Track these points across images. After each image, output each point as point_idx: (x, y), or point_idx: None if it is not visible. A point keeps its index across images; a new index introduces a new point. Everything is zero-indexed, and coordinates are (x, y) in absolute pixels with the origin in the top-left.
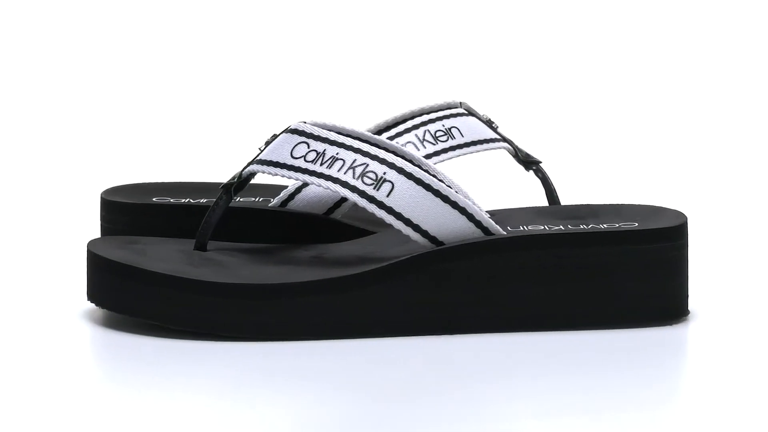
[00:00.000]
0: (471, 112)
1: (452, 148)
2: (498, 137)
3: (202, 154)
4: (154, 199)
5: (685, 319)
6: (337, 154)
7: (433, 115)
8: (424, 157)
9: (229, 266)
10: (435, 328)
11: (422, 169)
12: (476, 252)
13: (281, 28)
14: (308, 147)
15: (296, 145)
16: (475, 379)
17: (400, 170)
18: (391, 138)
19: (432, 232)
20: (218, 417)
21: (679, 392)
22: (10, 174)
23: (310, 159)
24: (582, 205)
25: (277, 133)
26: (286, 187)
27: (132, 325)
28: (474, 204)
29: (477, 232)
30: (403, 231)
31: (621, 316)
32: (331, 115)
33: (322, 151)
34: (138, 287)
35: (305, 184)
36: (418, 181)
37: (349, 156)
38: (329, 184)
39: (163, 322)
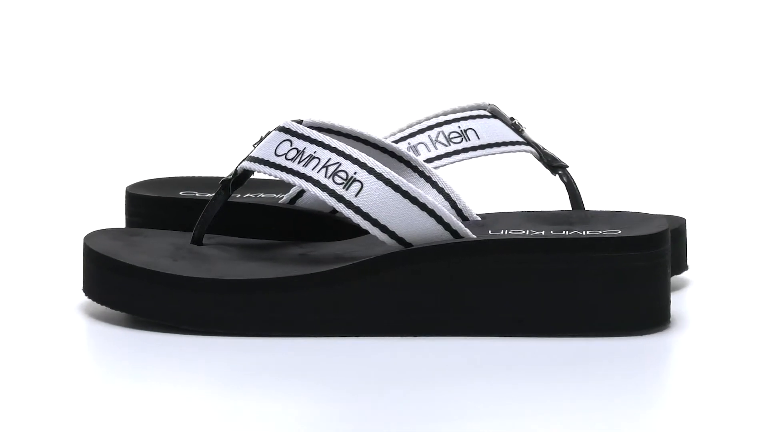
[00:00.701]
0: (495, 115)
1: (465, 150)
2: (521, 141)
3: (229, 149)
4: (180, 193)
5: (663, 329)
6: (314, 152)
7: (450, 117)
8: (433, 158)
9: (210, 261)
10: (401, 330)
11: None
12: (442, 254)
13: (313, 27)
14: (291, 145)
15: (281, 143)
16: (429, 383)
17: (371, 170)
18: (404, 138)
19: (399, 233)
20: (208, 409)
21: (640, 404)
22: (41, 169)
23: (291, 157)
24: (577, 211)
25: (271, 131)
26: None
27: (129, 318)
28: (445, 207)
29: (445, 235)
30: (370, 231)
31: (587, 324)
32: (359, 117)
33: (302, 149)
34: (113, 278)
35: None
36: (388, 182)
37: (324, 155)
38: (302, 182)
39: (135, 313)
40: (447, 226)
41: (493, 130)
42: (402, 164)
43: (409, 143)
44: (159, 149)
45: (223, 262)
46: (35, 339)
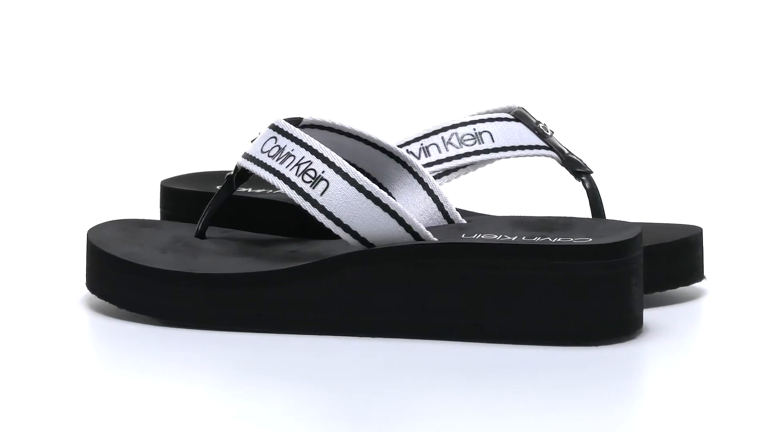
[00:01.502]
0: (519, 118)
1: (476, 153)
2: (542, 145)
3: None
4: (217, 187)
5: (629, 339)
6: (291, 150)
7: (468, 119)
8: (443, 159)
9: (199, 255)
10: (360, 330)
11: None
12: (400, 256)
13: (348, 29)
14: (275, 142)
15: (267, 140)
16: (373, 385)
17: (338, 170)
18: (418, 139)
19: (361, 233)
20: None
21: (594, 414)
22: (79, 163)
23: (272, 154)
24: (561, 217)
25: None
26: None
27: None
28: (405, 208)
29: (407, 237)
30: (333, 230)
31: (544, 331)
32: (390, 120)
33: (283, 147)
34: (100, 268)
35: None
36: (353, 182)
37: (299, 153)
38: (275, 179)
39: (117, 304)
40: (408, 228)
41: (510, 133)
42: (399, 164)
43: (422, 144)
44: (196, 144)
45: (211, 256)
46: (40, 329)
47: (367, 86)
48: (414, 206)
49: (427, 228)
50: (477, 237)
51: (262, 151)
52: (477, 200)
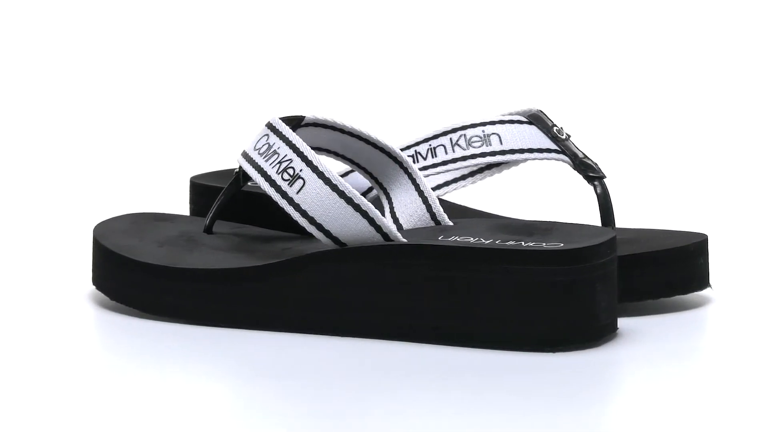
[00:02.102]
0: (533, 121)
1: (482, 155)
2: (553, 149)
3: None
4: (249, 183)
5: (591, 346)
6: (278, 148)
7: (478, 120)
8: (448, 160)
9: (195, 250)
10: (327, 329)
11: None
12: (367, 256)
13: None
14: (266, 140)
15: (261, 137)
16: (324, 383)
17: (315, 168)
18: (427, 140)
19: (334, 232)
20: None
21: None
22: (114, 160)
23: (262, 152)
24: (545, 222)
25: None
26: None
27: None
28: (375, 209)
29: (377, 237)
30: (307, 229)
31: (503, 336)
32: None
33: (271, 144)
34: (96, 260)
35: (345, 174)
36: (327, 181)
37: (283, 151)
38: (257, 175)
39: (110, 296)
40: (378, 228)
41: (520, 136)
42: (397, 165)
43: (430, 145)
44: (227, 140)
45: (206, 252)
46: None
47: (392, 88)
48: (405, 206)
49: (414, 229)
50: (452, 239)
51: (255, 149)
52: (494, 202)
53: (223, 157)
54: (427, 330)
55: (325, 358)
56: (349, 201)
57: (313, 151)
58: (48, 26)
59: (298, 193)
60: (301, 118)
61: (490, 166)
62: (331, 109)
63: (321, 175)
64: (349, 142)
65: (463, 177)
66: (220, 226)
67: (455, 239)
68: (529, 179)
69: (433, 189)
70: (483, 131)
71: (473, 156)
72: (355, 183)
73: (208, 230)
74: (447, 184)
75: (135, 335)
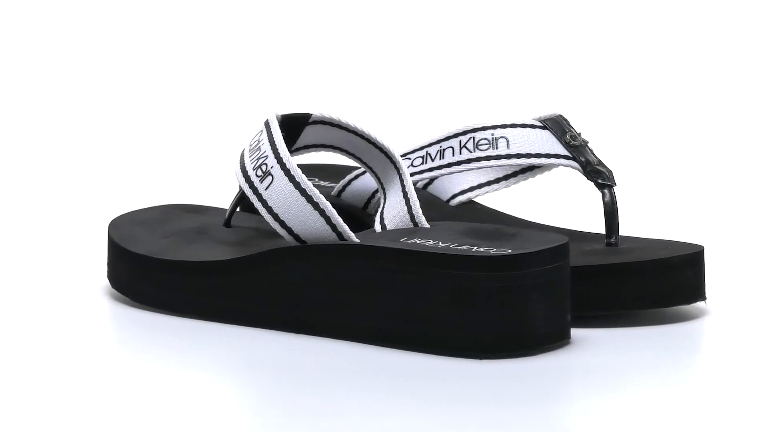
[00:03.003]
0: (547, 126)
1: (487, 158)
2: (563, 154)
3: None
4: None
5: (524, 355)
6: (262, 144)
7: (489, 123)
8: (453, 163)
9: (197, 242)
10: (284, 325)
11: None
12: (319, 255)
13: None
14: (259, 136)
15: (257, 134)
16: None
17: (283, 166)
18: (439, 141)
19: (295, 230)
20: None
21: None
22: (174, 156)
23: (252, 147)
24: (514, 227)
25: None
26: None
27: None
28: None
29: (332, 236)
30: (271, 225)
31: (437, 341)
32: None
33: (260, 140)
34: (108, 251)
35: (363, 173)
36: (291, 178)
37: (264, 147)
38: (238, 171)
39: (111, 283)
40: (334, 227)
41: (529, 140)
42: (392, 165)
43: (441, 146)
44: None
45: (206, 244)
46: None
47: (424, 91)
48: (392, 207)
49: (388, 231)
50: (410, 241)
51: (250, 144)
52: (525, 207)
53: None
54: (372, 331)
55: (274, 355)
56: (309, 199)
57: (286, 149)
58: (65, 23)
59: (266, 189)
60: (309, 115)
61: (524, 170)
62: (360, 111)
63: (287, 172)
64: (355, 140)
65: (497, 180)
66: (247, 221)
67: (414, 241)
68: (556, 185)
69: (465, 191)
70: (492, 134)
71: (477, 159)
72: (366, 184)
73: (227, 223)
74: (480, 186)
75: (139, 327)
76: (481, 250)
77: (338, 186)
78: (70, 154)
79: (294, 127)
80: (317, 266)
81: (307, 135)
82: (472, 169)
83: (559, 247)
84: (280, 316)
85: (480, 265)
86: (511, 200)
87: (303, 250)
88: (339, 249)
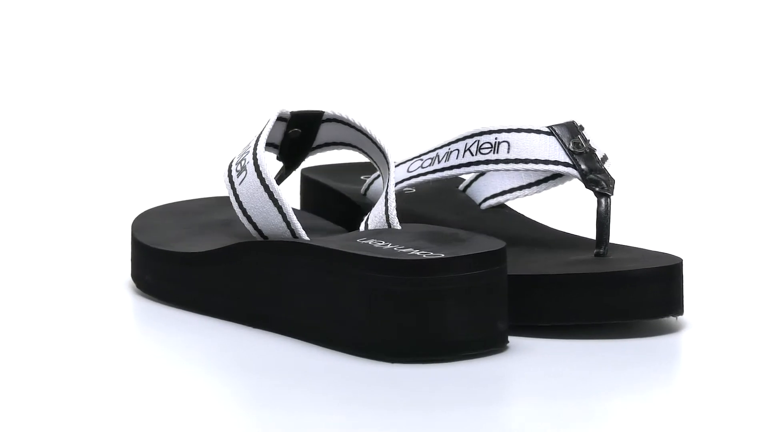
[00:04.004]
0: (553, 131)
1: (486, 162)
2: (563, 161)
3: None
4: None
5: (438, 361)
6: (251, 139)
7: (496, 127)
8: (455, 165)
9: (207, 235)
10: (244, 318)
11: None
12: (270, 251)
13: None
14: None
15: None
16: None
17: (255, 161)
18: (449, 144)
19: (258, 225)
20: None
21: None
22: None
23: (245, 145)
24: (469, 232)
25: None
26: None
27: None
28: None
29: (287, 233)
30: (240, 219)
31: (357, 342)
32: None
33: (255, 136)
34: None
35: None
36: (258, 174)
37: (251, 142)
38: (227, 168)
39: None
40: (288, 224)
41: (531, 145)
42: (386, 165)
43: (449, 148)
44: None
45: (216, 237)
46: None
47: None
48: (376, 207)
49: (360, 231)
50: (365, 243)
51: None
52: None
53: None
54: (307, 329)
55: (221, 347)
56: (270, 195)
57: (263, 145)
58: (88, 22)
59: (240, 184)
60: (321, 113)
61: (554, 176)
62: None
63: (257, 168)
64: (363, 139)
65: (529, 185)
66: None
67: (366, 242)
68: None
69: (496, 195)
70: (496, 138)
71: (477, 162)
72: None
73: None
74: (511, 191)
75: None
76: (417, 253)
77: (364, 185)
78: (123, 146)
79: (309, 124)
80: (268, 262)
81: (324, 133)
82: (471, 172)
83: (485, 254)
84: (242, 309)
85: (393, 268)
86: (542, 205)
87: (258, 245)
88: (281, 246)
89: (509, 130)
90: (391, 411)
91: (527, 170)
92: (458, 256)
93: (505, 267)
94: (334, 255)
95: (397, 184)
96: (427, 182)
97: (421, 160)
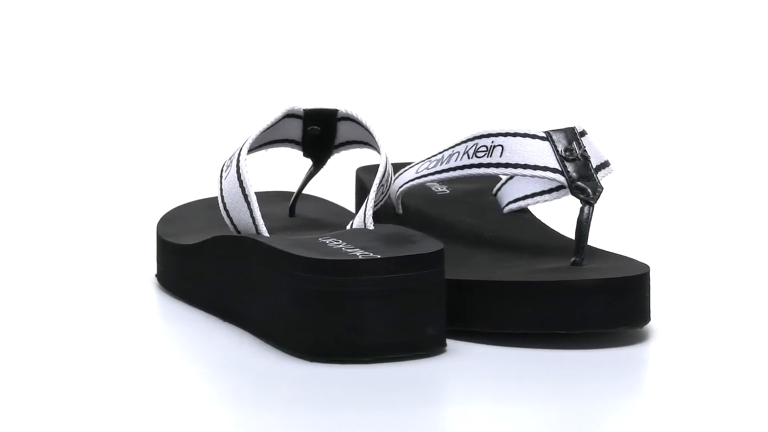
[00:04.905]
0: (549, 137)
1: (478, 165)
2: (552, 167)
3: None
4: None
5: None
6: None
7: (495, 130)
8: (453, 168)
9: (224, 226)
10: (218, 312)
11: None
12: (227, 246)
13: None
14: None
15: None
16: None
17: (238, 156)
18: (457, 145)
19: (234, 220)
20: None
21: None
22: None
23: None
24: (419, 234)
25: None
26: None
27: None
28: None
29: (253, 229)
30: (222, 213)
31: (287, 341)
32: None
33: None
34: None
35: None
36: (237, 170)
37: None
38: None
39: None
40: (254, 221)
41: (524, 151)
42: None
43: (453, 150)
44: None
45: (226, 229)
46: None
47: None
48: (361, 207)
49: (342, 230)
50: (324, 242)
51: None
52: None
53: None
54: (254, 324)
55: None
56: (243, 191)
57: (247, 142)
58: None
59: (225, 179)
60: (336, 111)
61: None
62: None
63: (237, 164)
64: (371, 138)
65: (549, 191)
66: (314, 212)
67: (322, 240)
68: None
69: (518, 199)
70: (492, 142)
71: (470, 166)
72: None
73: (290, 212)
74: (532, 195)
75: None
76: (358, 254)
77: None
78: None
79: (327, 122)
80: (230, 257)
81: (342, 131)
82: (466, 175)
83: (410, 257)
84: (217, 303)
85: (316, 268)
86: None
87: (222, 239)
88: (235, 241)
89: (506, 134)
90: (293, 411)
91: (516, 175)
92: (378, 258)
93: (441, 270)
94: (272, 253)
95: (404, 184)
96: (432, 182)
97: (429, 161)
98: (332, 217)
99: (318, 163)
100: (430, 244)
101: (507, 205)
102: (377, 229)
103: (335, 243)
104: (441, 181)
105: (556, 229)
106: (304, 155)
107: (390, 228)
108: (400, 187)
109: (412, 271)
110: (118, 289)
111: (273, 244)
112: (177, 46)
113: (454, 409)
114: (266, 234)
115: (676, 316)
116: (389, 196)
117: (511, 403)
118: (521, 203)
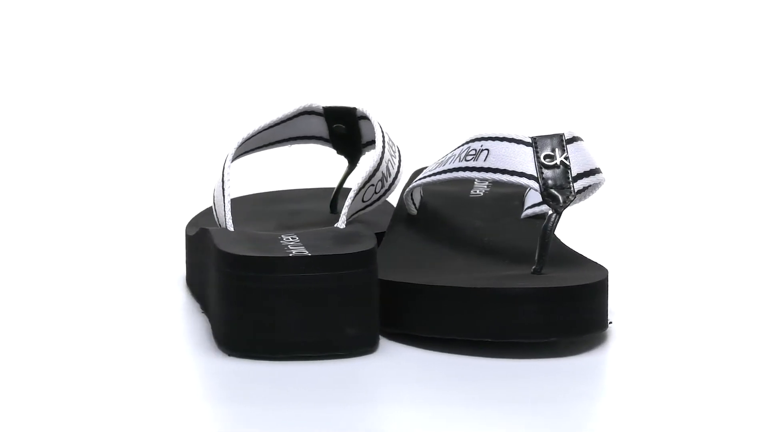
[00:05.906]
0: (534, 142)
1: (464, 169)
2: (528, 174)
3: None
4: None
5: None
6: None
7: (487, 134)
8: (447, 170)
9: (258, 222)
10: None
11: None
12: (195, 241)
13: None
14: None
15: None
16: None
17: (227, 155)
18: (455, 149)
19: (219, 220)
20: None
21: None
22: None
23: None
24: (363, 235)
25: None
26: None
27: None
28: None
29: (224, 224)
30: (213, 210)
31: (225, 340)
32: None
33: None
34: None
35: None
36: (222, 169)
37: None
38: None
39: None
40: (225, 214)
41: (507, 156)
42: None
43: (453, 152)
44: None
45: (258, 224)
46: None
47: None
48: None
49: (309, 230)
50: (279, 239)
51: None
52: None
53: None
54: (214, 321)
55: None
56: (222, 191)
57: (237, 143)
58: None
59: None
60: (354, 109)
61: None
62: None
63: (225, 161)
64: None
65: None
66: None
67: (279, 238)
68: None
69: (535, 205)
70: (481, 146)
71: (456, 169)
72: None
73: (332, 209)
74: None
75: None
76: (293, 252)
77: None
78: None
79: (348, 119)
80: (201, 250)
81: (365, 130)
82: (455, 178)
83: (332, 257)
84: (198, 292)
85: (235, 264)
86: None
87: (201, 232)
88: (196, 236)
89: (494, 139)
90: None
91: (495, 180)
92: (292, 256)
93: (368, 271)
94: (211, 247)
95: (410, 186)
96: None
97: (436, 163)
98: (371, 215)
99: (351, 162)
100: (363, 245)
101: (525, 210)
102: (341, 229)
103: (289, 240)
104: (436, 184)
105: (569, 237)
106: (337, 153)
107: (352, 228)
108: (407, 189)
109: (331, 270)
110: (147, 291)
111: (214, 239)
112: (204, 55)
113: (355, 408)
114: (231, 228)
115: (631, 325)
116: (402, 197)
117: (420, 407)
118: (535, 210)
